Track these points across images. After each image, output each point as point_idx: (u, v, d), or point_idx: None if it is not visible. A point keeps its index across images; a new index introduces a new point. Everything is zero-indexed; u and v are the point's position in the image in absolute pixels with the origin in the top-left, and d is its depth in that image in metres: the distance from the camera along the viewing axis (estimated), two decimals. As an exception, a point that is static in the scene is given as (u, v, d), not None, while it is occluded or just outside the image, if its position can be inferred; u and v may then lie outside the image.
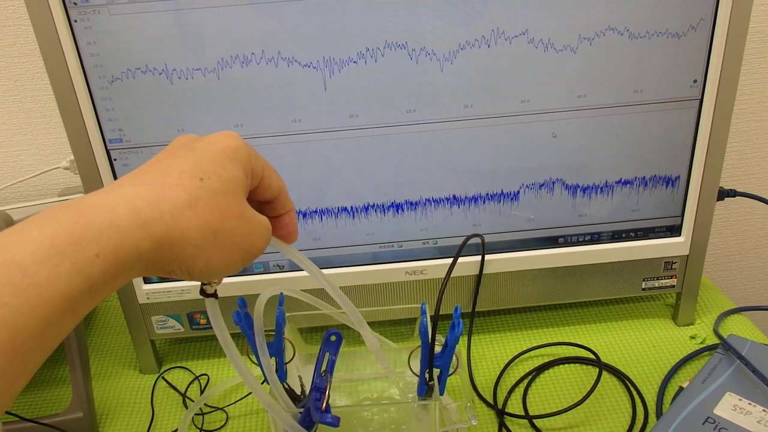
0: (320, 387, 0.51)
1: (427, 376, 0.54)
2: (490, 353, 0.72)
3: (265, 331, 0.53)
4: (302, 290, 0.56)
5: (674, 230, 0.70)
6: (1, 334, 0.26)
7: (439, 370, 0.54)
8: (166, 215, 0.32)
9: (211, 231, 0.34)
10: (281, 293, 0.56)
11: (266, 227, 0.39)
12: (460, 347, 0.72)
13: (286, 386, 0.55)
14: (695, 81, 0.63)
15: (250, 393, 0.68)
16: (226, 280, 0.67)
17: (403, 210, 0.66)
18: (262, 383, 0.68)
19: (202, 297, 0.41)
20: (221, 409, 0.67)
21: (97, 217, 0.30)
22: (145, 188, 0.33)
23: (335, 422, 0.49)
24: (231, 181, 0.36)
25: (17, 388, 0.27)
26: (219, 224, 0.34)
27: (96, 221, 0.30)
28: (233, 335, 0.53)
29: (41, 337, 0.27)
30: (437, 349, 0.54)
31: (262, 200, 0.40)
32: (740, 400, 0.59)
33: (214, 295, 0.41)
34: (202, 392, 0.70)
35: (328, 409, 0.50)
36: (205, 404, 0.67)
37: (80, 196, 0.32)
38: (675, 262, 0.71)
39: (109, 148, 0.61)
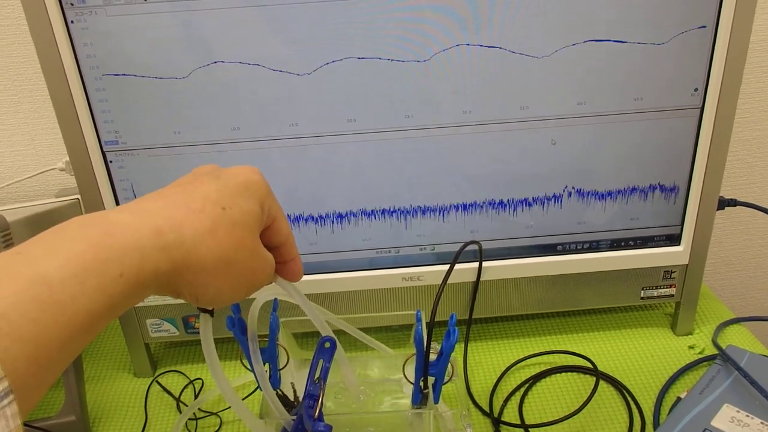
0: (313, 394, 0.50)
1: (421, 384, 0.53)
2: (486, 361, 0.72)
3: (259, 336, 0.52)
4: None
5: (674, 239, 0.69)
6: (27, 349, 0.26)
7: (434, 378, 0.54)
8: (188, 240, 0.33)
9: (225, 260, 0.35)
10: (275, 299, 0.55)
11: (271, 265, 0.40)
12: (457, 355, 0.71)
13: (280, 393, 0.55)
14: (696, 89, 0.62)
15: (245, 398, 0.68)
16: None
17: (400, 215, 0.66)
18: (255, 389, 0.68)
19: (198, 309, 0.41)
20: (215, 414, 0.67)
21: (123, 237, 0.31)
22: (170, 211, 0.34)
23: (328, 430, 0.48)
24: (249, 214, 0.37)
25: (37, 399, 0.28)
26: (233, 254, 0.35)
27: (122, 241, 0.31)
28: (227, 340, 0.52)
29: (62, 351, 0.28)
30: (432, 356, 0.54)
31: (270, 245, 0.41)
32: (738, 412, 0.59)
33: (210, 311, 0.42)
34: (196, 397, 0.69)
35: (321, 417, 0.49)
36: (198, 409, 0.67)
37: (105, 212, 0.33)
38: (674, 272, 0.71)
39: (105, 150, 0.61)
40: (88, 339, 0.30)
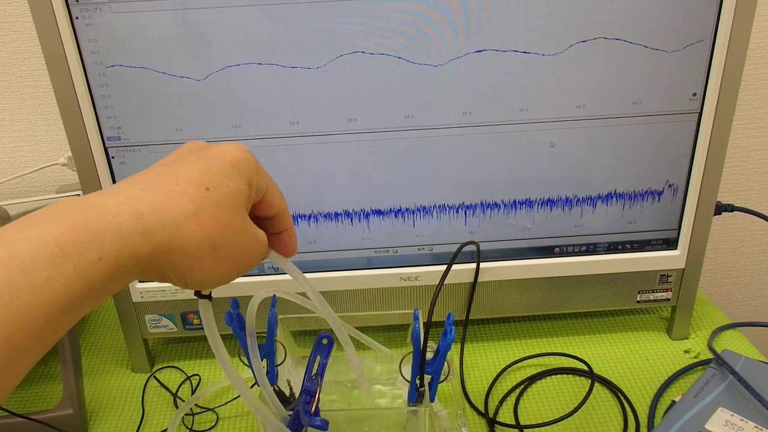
0: (310, 390, 0.51)
1: (418, 382, 0.54)
2: (482, 361, 0.72)
3: (257, 333, 0.53)
4: (296, 293, 0.55)
5: (671, 243, 0.70)
6: (1, 332, 0.26)
7: (430, 376, 0.54)
8: (169, 224, 0.32)
9: (211, 243, 0.34)
10: (274, 295, 0.56)
11: (263, 243, 0.39)
12: (453, 354, 0.72)
13: (276, 388, 0.55)
14: (695, 94, 0.63)
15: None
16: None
17: (399, 215, 0.66)
18: (253, 385, 0.68)
19: (196, 297, 0.41)
20: (211, 410, 0.67)
21: (102, 221, 0.30)
22: (151, 194, 0.33)
23: (324, 426, 0.49)
24: (235, 194, 0.36)
25: (12, 386, 0.27)
26: (219, 236, 0.34)
27: (100, 224, 0.30)
28: (225, 336, 0.53)
29: (38, 337, 0.27)
30: (429, 355, 0.54)
31: (263, 216, 0.41)
32: (732, 415, 0.59)
33: (208, 297, 0.41)
34: (193, 392, 0.70)
35: (317, 413, 0.50)
36: (195, 404, 0.67)
37: (85, 196, 0.32)
38: (671, 276, 0.71)
39: (107, 145, 0.61)
40: (69, 323, 0.29)
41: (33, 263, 0.27)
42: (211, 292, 0.41)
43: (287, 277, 0.67)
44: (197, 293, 0.41)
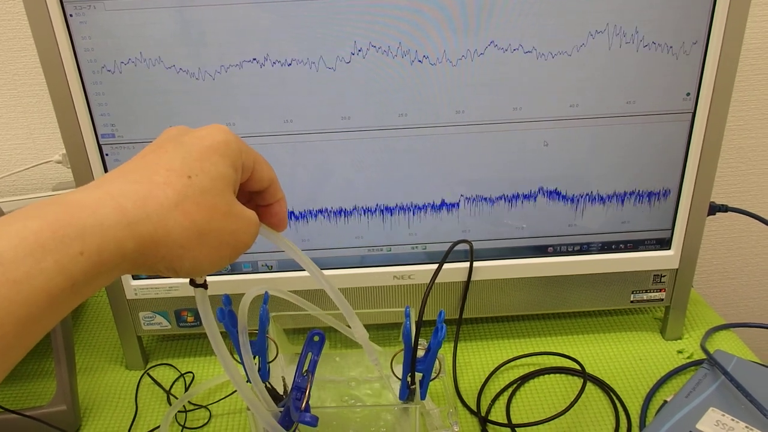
0: (301, 386, 0.51)
1: (409, 379, 0.54)
2: (475, 360, 0.72)
3: (250, 330, 0.53)
4: (289, 291, 0.56)
5: (664, 243, 0.70)
6: None
7: (421, 374, 0.54)
8: (153, 215, 0.32)
9: (198, 231, 0.33)
10: (266, 292, 0.56)
11: (253, 222, 0.38)
12: (445, 353, 0.72)
13: (268, 385, 0.55)
14: (688, 94, 0.63)
15: (234, 392, 0.68)
16: (214, 278, 0.67)
17: (392, 214, 0.67)
18: (246, 383, 0.68)
19: (191, 290, 0.41)
20: (204, 407, 0.67)
21: (83, 215, 0.30)
22: (132, 186, 0.32)
23: (314, 422, 0.49)
24: (219, 179, 0.35)
25: None
26: (206, 224, 0.34)
27: (81, 219, 0.29)
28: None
29: (21, 333, 0.27)
30: (420, 353, 0.54)
31: (253, 191, 0.40)
32: (723, 415, 0.59)
33: (204, 285, 0.41)
34: (186, 390, 0.70)
35: (307, 409, 0.50)
36: (188, 402, 0.67)
37: (67, 192, 0.32)
38: (664, 276, 0.71)
39: (101, 142, 0.62)
40: (53, 319, 0.29)
41: (12, 258, 0.27)
42: (206, 281, 0.41)
43: (281, 275, 0.68)
44: (192, 282, 0.40)
